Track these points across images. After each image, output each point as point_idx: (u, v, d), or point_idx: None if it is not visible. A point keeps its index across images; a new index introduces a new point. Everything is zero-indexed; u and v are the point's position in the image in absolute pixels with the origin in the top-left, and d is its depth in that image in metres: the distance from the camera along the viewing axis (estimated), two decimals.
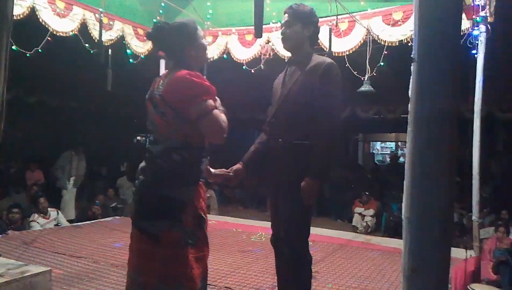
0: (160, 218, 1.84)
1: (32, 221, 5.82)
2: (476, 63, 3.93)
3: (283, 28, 2.34)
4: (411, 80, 1.10)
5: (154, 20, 4.99)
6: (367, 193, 8.61)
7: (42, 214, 5.95)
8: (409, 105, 1.11)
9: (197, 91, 1.82)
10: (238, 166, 2.42)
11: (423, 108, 1.06)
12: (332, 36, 4.53)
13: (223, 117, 1.90)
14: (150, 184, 1.89)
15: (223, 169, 2.38)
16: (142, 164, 1.96)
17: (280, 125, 2.30)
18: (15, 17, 2.88)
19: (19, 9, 4.02)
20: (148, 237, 1.85)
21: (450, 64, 1.04)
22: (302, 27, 2.30)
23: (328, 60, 2.27)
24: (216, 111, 1.86)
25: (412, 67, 1.10)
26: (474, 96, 3.99)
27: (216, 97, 1.95)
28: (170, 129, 1.88)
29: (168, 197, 1.84)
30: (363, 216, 8.43)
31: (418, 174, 1.06)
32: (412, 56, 1.09)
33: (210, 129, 1.86)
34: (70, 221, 6.49)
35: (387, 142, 17.83)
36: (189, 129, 1.86)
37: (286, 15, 2.32)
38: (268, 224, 2.49)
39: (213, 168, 2.32)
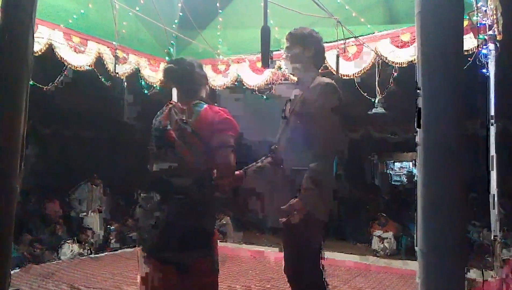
0: (193, 248, 1.85)
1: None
2: (487, 80, 3.92)
3: (284, 54, 2.35)
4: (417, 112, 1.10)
5: (167, 58, 5.15)
6: (384, 214, 8.46)
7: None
8: (416, 137, 1.10)
9: (227, 126, 1.97)
10: (238, 171, 2.32)
11: (430, 141, 1.05)
12: (341, 60, 4.57)
13: (234, 156, 1.98)
14: (181, 216, 1.87)
15: None
16: (158, 197, 1.94)
17: (282, 151, 2.24)
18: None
19: (36, 46, 4.17)
20: (176, 268, 1.84)
21: (454, 96, 1.04)
22: (302, 49, 2.28)
23: (327, 80, 2.20)
24: (232, 148, 1.96)
25: (417, 100, 1.10)
26: (487, 112, 3.95)
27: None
28: (199, 161, 1.93)
29: (202, 227, 1.90)
30: (381, 238, 8.25)
31: (429, 206, 1.05)
32: (417, 90, 1.09)
33: (224, 160, 1.93)
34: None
35: (403, 162, 17.58)
36: (212, 161, 1.94)
37: (286, 40, 2.32)
38: None
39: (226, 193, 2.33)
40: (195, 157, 1.92)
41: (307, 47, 2.28)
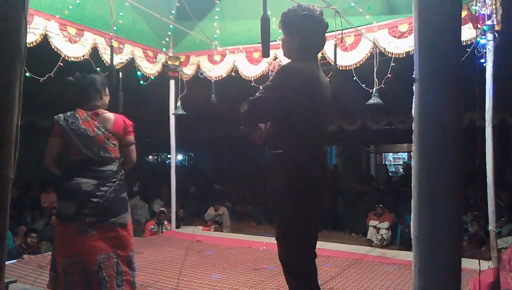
0: (125, 210, 2.75)
1: None
2: (485, 71, 3.90)
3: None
4: (413, 100, 1.10)
5: (164, 49, 5.12)
6: (381, 205, 8.50)
7: None
8: (412, 124, 1.10)
9: (131, 128, 2.84)
10: None
11: (427, 127, 1.05)
12: (339, 50, 4.55)
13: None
14: (117, 191, 2.69)
15: None
16: (94, 181, 2.61)
17: None
18: (28, 45, 3.00)
19: (31, 37, 4.14)
20: (120, 226, 2.66)
21: (452, 84, 1.03)
22: (289, 38, 2.17)
23: (286, 63, 2.14)
24: (135, 144, 2.86)
25: (414, 87, 1.09)
26: (485, 104, 3.94)
27: None
28: (117, 154, 2.76)
29: (126, 198, 2.79)
30: (377, 229, 8.31)
31: (424, 193, 1.05)
32: (413, 76, 1.09)
33: (134, 153, 2.86)
34: None
35: (400, 153, 17.64)
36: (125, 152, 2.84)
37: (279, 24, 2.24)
38: None
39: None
40: (116, 150, 2.74)
41: (293, 37, 2.14)
